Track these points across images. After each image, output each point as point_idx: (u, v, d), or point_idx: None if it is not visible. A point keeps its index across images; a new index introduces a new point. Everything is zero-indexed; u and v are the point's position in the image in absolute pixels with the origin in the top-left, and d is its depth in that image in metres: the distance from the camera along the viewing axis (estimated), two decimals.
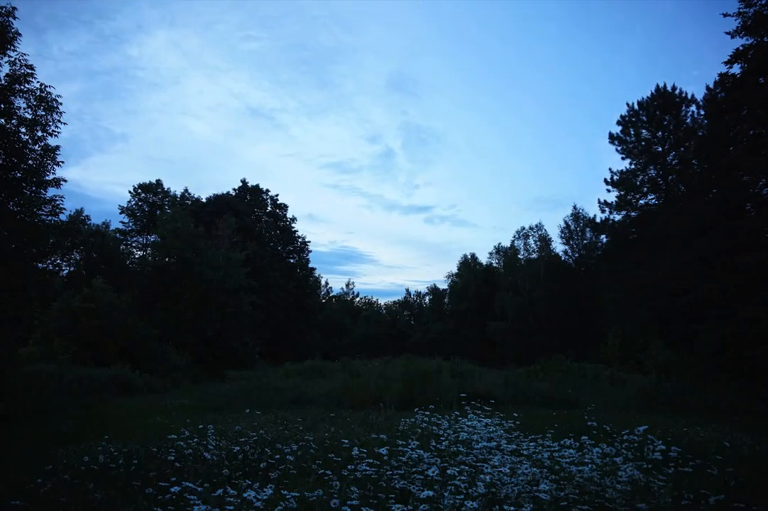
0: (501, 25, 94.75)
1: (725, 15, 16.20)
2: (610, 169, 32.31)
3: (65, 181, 13.49)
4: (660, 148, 30.82)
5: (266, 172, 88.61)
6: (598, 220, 36.31)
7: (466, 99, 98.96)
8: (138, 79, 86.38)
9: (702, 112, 29.26)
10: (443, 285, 59.57)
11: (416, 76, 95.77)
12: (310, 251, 48.98)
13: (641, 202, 31.35)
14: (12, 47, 12.61)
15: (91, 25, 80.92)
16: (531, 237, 47.74)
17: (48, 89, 12.93)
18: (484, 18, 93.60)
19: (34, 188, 13.08)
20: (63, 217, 14.08)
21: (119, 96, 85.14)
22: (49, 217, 13.34)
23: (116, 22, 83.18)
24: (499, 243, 53.10)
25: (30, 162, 12.95)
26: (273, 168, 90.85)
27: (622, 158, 32.18)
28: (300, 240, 48.29)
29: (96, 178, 77.61)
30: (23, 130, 12.86)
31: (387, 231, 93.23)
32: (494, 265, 53.12)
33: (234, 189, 46.85)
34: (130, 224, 43.14)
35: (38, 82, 12.82)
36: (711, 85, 26.24)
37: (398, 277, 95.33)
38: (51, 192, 13.46)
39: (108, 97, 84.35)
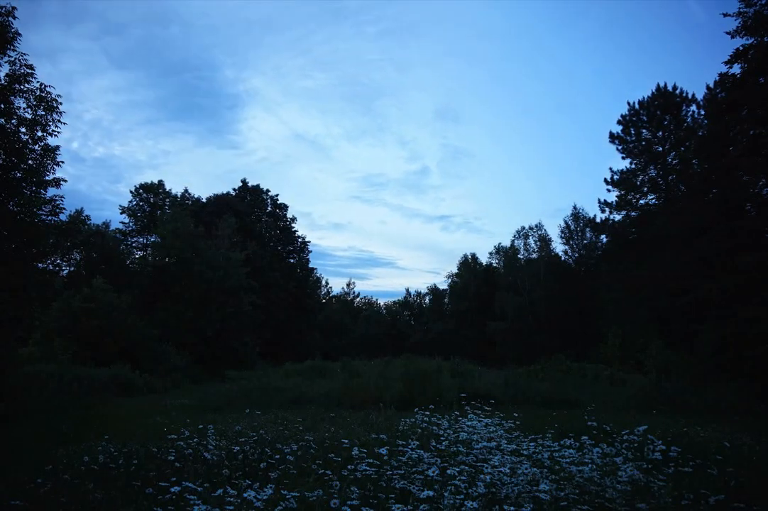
0: (508, 39, 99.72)
1: (725, 15, 16.20)
2: (610, 168, 32.34)
3: (65, 181, 13.52)
4: (660, 148, 30.79)
5: (303, 187, 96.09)
6: (598, 220, 36.36)
7: (494, 119, 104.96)
8: (199, 106, 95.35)
9: (702, 112, 29.27)
10: (444, 285, 59.65)
11: (458, 107, 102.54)
12: (310, 251, 49.04)
13: (641, 202, 31.34)
14: (12, 47, 12.58)
15: (169, 67, 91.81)
16: (531, 237, 47.77)
17: (48, 89, 12.93)
18: (493, 37, 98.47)
19: (34, 188, 13.08)
20: (63, 217, 14.10)
21: (180, 119, 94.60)
22: (49, 217, 13.35)
23: (191, 64, 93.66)
24: (499, 243, 53.09)
25: (30, 162, 12.94)
26: (309, 182, 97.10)
27: (623, 158, 32.20)
28: (300, 240, 48.29)
29: None
30: (23, 130, 12.85)
31: (407, 238, 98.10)
32: (494, 265, 53.11)
33: (234, 189, 46.85)
34: (131, 224, 43.10)
35: (38, 81, 12.83)
36: (711, 85, 26.29)
37: (413, 280, 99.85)
38: (51, 192, 13.48)
39: (170, 120, 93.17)
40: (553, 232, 69.90)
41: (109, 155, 78.69)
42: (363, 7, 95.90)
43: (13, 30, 12.55)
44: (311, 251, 49.16)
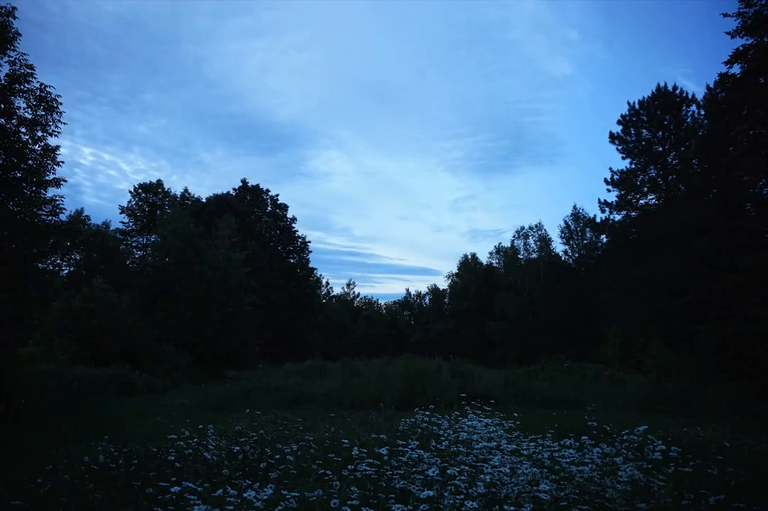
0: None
1: (725, 15, 16.21)
2: (610, 168, 32.36)
3: (65, 181, 13.52)
4: (660, 148, 30.80)
5: (357, 207, 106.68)
6: (598, 220, 36.39)
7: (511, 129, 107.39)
8: (282, 147, 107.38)
9: (702, 112, 29.27)
10: (444, 285, 59.65)
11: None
12: (311, 251, 49.12)
13: (641, 202, 31.37)
14: (12, 47, 12.56)
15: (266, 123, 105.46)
16: (531, 237, 47.82)
17: (48, 89, 12.90)
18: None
19: (34, 188, 13.06)
20: (63, 217, 14.08)
21: (263, 155, 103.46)
22: (49, 218, 13.31)
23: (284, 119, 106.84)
24: (500, 243, 53.25)
25: (30, 162, 12.93)
26: (365, 204, 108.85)
27: (623, 158, 32.23)
28: (300, 240, 48.31)
29: None
30: (23, 130, 12.84)
31: (438, 248, 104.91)
32: (494, 265, 53.14)
33: (234, 189, 46.90)
34: (131, 224, 43.12)
35: (38, 81, 12.80)
36: (711, 85, 26.27)
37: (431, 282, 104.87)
38: (51, 192, 13.46)
39: (255, 156, 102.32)
40: (554, 233, 70.00)
41: (197, 184, 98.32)
42: (442, 93, 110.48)
43: (13, 30, 12.54)
44: (311, 251, 49.30)
